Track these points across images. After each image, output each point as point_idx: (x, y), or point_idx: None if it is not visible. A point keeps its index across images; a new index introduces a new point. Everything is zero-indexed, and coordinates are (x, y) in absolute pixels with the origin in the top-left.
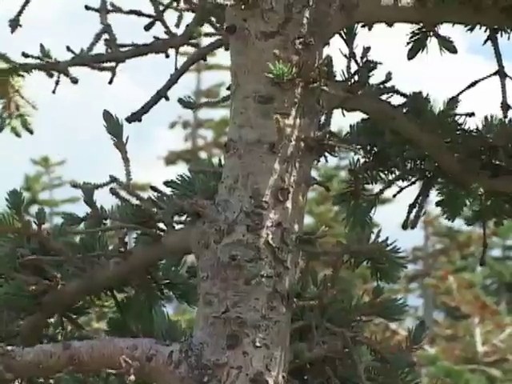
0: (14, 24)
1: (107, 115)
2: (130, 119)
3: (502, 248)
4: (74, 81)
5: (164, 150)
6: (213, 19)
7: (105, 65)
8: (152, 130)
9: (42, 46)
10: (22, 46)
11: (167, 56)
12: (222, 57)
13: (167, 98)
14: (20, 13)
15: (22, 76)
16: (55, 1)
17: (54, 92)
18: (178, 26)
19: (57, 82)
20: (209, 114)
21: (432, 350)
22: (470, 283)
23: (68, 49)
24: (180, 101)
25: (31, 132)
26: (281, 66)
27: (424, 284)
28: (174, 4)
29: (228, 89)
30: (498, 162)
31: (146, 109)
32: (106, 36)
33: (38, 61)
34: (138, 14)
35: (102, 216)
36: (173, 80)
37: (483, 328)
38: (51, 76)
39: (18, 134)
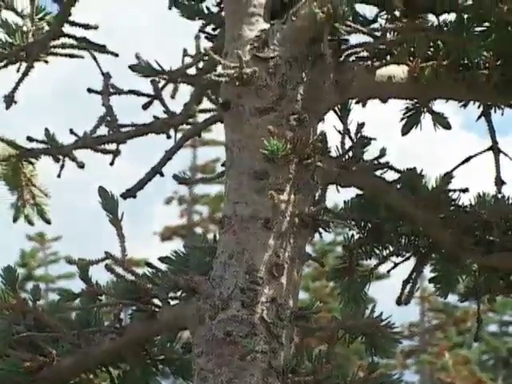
0: (9, 100)
1: (102, 192)
2: (124, 195)
3: (499, 324)
4: (81, 165)
5: (160, 226)
6: (209, 96)
7: (106, 147)
8: (148, 205)
9: (46, 130)
10: (19, 125)
11: (168, 137)
12: (218, 132)
13: (162, 175)
14: (15, 89)
15: (32, 163)
16: (49, 80)
17: (59, 176)
18: (173, 97)
19: (62, 166)
20: (205, 189)
21: None
22: (465, 359)
23: (71, 132)
24: (175, 177)
25: (48, 222)
26: (275, 142)
27: (420, 360)
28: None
29: (223, 165)
30: (491, 238)
31: (140, 185)
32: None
33: (43, 145)
34: (137, 93)
35: (97, 292)
36: (167, 156)
37: None
38: (58, 161)
39: (31, 223)
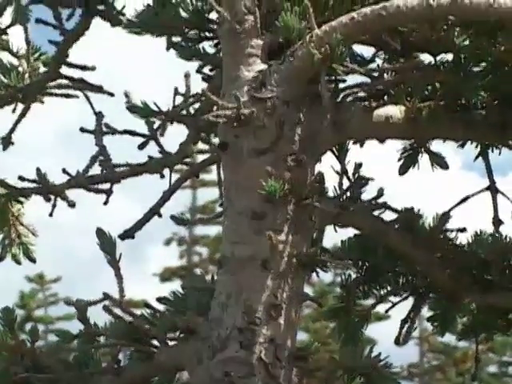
0: (6, 142)
1: (100, 233)
2: (122, 236)
3: (499, 364)
4: (72, 204)
5: (159, 267)
6: (205, 136)
7: (100, 186)
8: (147, 246)
9: (38, 169)
10: (16, 168)
11: (162, 176)
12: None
13: (160, 215)
14: (12, 131)
15: (21, 202)
16: (47, 123)
17: (51, 215)
18: (162, 135)
19: (54, 205)
20: (204, 230)
21: None
22: None
23: (64, 171)
24: (173, 218)
25: (34, 261)
26: (273, 182)
27: None
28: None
29: (221, 205)
30: (489, 277)
31: (138, 226)
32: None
33: (35, 184)
34: (132, 133)
35: (95, 333)
36: (165, 197)
37: None
38: (48, 200)
39: (18, 262)
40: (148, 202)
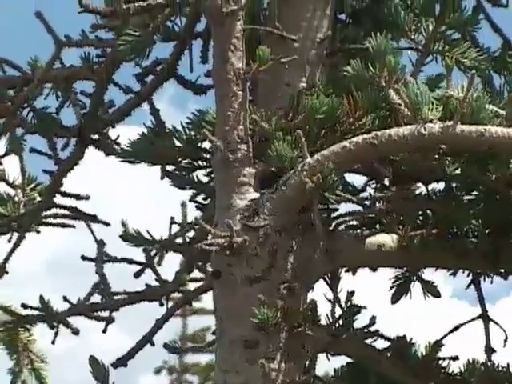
0: (1, 271)
1: (93, 361)
2: (115, 365)
3: None
4: (75, 332)
5: None
6: (200, 265)
7: (99, 314)
8: (138, 375)
9: (41, 297)
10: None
11: (161, 304)
12: (208, 301)
13: (153, 344)
14: (6, 260)
15: (28, 329)
16: (41, 252)
17: (53, 343)
18: (159, 264)
19: (56, 333)
20: (195, 358)
21: None
22: None
23: (65, 299)
24: (165, 346)
25: None
26: (265, 310)
27: None
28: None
29: (213, 333)
30: None
31: (131, 354)
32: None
33: (38, 312)
34: (130, 261)
35: None
36: (158, 325)
37: None
38: (53, 327)
39: None
40: (134, 328)
